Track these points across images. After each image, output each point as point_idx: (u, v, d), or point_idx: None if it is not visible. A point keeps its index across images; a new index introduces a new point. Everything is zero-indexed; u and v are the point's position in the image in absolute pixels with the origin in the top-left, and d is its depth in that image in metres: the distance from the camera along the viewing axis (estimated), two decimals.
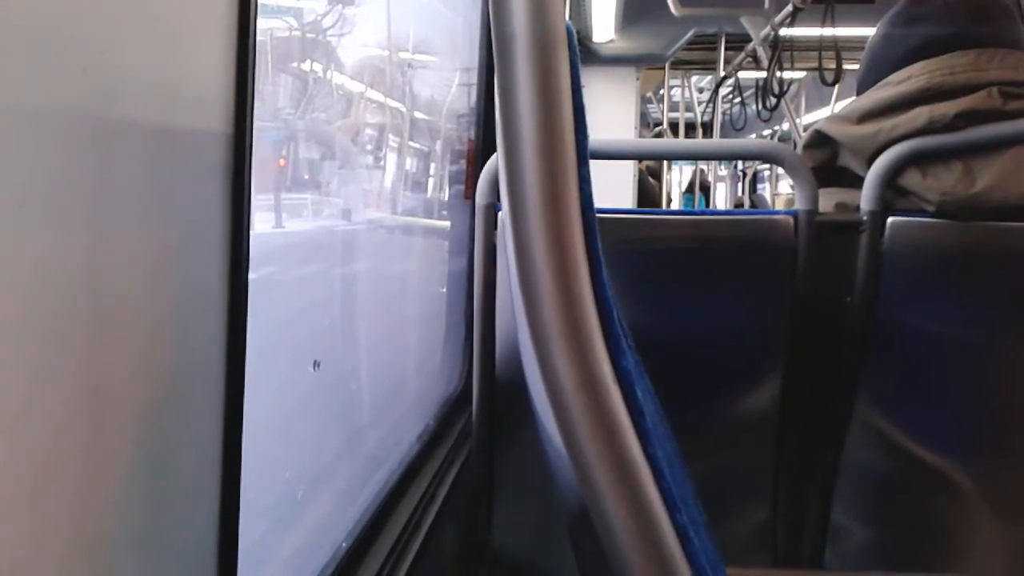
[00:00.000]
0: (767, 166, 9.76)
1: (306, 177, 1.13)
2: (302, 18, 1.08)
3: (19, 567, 0.42)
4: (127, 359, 0.50)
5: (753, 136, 9.00)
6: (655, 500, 0.45)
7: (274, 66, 0.99)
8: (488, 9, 0.48)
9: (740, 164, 10.34)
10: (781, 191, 9.75)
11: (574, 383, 0.45)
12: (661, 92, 7.90)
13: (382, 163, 1.49)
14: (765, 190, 11.00)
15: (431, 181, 1.78)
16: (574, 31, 0.49)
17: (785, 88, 3.87)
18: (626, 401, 0.46)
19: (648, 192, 6.51)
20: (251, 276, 0.62)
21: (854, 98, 1.49)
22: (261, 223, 0.93)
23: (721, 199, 9.90)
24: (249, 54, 0.59)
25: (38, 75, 0.41)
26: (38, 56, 0.41)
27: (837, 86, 3.51)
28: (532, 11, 0.46)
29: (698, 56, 6.39)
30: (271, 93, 0.98)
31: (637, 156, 3.77)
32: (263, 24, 0.88)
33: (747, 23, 4.15)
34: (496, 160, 1.35)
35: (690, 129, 8.22)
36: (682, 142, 5.82)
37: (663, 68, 6.39)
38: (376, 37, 1.39)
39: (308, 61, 1.12)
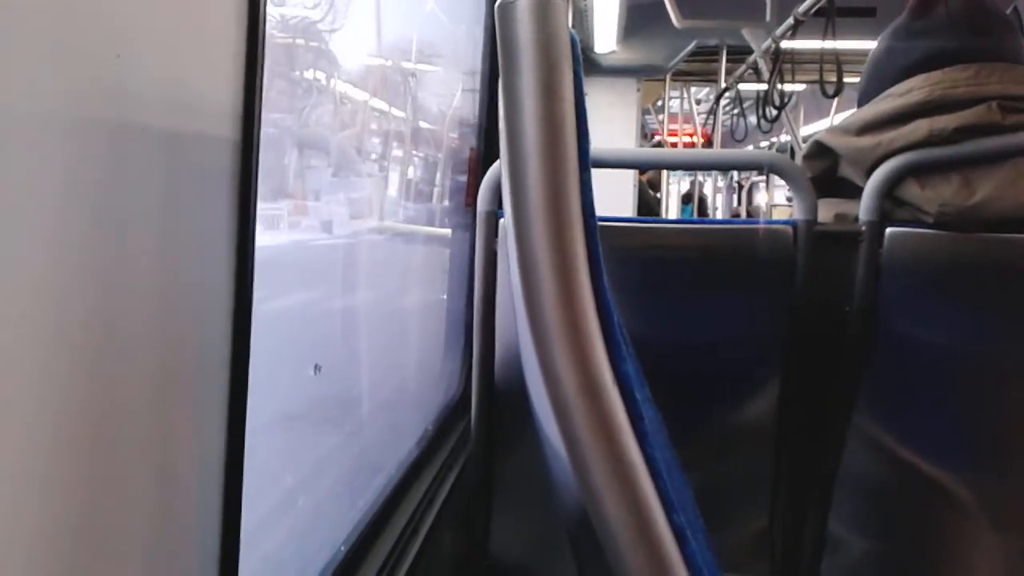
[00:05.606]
0: (762, 178, 9.77)
1: (304, 184, 1.14)
2: (305, 26, 1.09)
3: (27, 565, 0.43)
4: (133, 360, 0.50)
5: (751, 148, 9.02)
6: (652, 500, 0.45)
7: (276, 73, 0.99)
8: (493, 19, 0.49)
9: (736, 176, 10.36)
10: (776, 201, 9.75)
11: (575, 386, 0.45)
12: (660, 104, 7.93)
13: (385, 171, 1.50)
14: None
15: (433, 189, 1.79)
16: (577, 40, 0.50)
17: (786, 100, 3.88)
18: (626, 404, 0.46)
19: (648, 203, 6.54)
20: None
21: (853, 110, 1.50)
22: (262, 230, 0.93)
23: (718, 211, 9.92)
24: (258, 61, 0.60)
25: (52, 79, 0.42)
26: (53, 60, 0.42)
27: (836, 99, 3.52)
28: (536, 20, 0.47)
29: (698, 67, 6.41)
30: (274, 99, 0.99)
31: (637, 165, 3.78)
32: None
33: (748, 35, 4.16)
34: (498, 168, 1.36)
35: None
36: (682, 152, 5.83)
37: (663, 80, 6.41)
38: (379, 45, 1.40)
39: (311, 69, 1.13)
